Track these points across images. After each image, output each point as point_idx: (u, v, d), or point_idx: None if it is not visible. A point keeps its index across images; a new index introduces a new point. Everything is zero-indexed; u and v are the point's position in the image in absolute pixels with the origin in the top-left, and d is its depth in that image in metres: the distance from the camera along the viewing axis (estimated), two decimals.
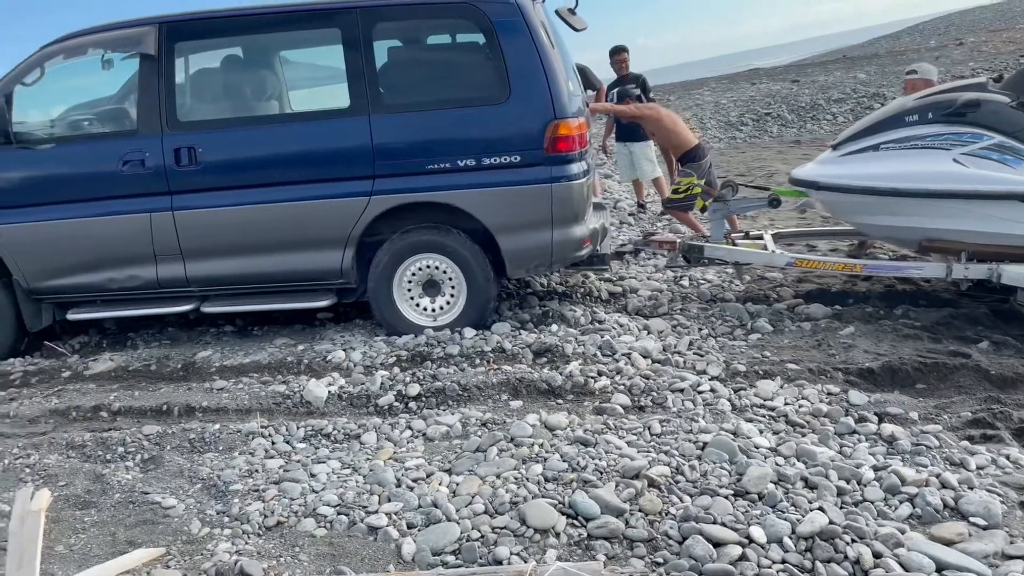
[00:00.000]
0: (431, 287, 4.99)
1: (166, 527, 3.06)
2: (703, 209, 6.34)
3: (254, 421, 3.93)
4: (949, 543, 2.65)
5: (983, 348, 4.36)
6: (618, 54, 8.67)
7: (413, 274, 4.94)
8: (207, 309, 5.08)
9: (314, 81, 6.24)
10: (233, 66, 5.43)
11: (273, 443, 3.71)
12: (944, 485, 2.99)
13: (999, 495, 2.93)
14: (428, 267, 4.93)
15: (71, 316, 5.21)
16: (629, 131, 8.28)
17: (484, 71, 4.88)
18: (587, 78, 8.32)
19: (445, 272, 4.93)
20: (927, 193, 4.63)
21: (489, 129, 4.78)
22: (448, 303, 4.98)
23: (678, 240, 5.81)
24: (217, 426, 3.86)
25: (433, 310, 4.99)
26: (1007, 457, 3.24)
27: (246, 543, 2.90)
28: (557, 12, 5.44)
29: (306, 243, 4.88)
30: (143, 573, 2.72)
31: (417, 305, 4.99)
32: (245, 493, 3.26)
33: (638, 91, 8.27)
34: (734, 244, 5.63)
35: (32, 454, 3.72)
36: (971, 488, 2.97)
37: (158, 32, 4.90)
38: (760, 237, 5.80)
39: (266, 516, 3.06)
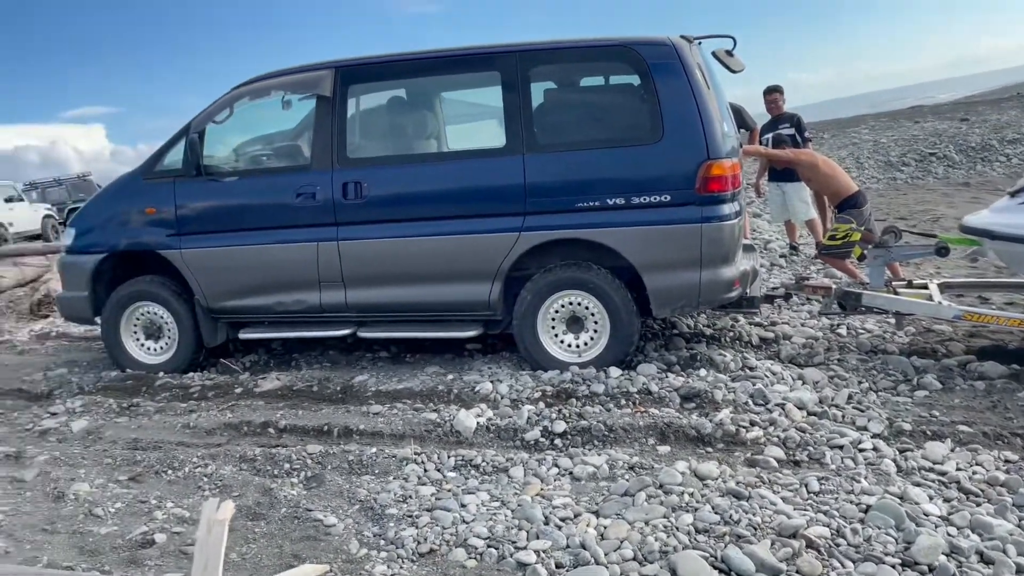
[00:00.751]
0: (575, 323, 5.05)
1: (327, 544, 3.23)
2: (860, 258, 6.06)
3: (408, 447, 4.09)
4: None
5: None
6: (770, 94, 8.51)
7: (557, 310, 5.02)
8: (363, 334, 5.36)
9: (472, 121, 6.49)
10: (397, 107, 5.77)
11: (425, 470, 3.85)
12: None
13: None
14: (572, 303, 5.00)
15: (243, 335, 5.65)
16: (783, 171, 8.06)
17: (638, 112, 4.94)
18: (742, 118, 8.20)
19: (589, 309, 4.98)
20: None
21: (641, 168, 4.82)
22: (591, 340, 5.02)
23: (834, 286, 5.58)
24: (373, 450, 4.05)
25: (576, 346, 5.04)
26: None
27: (401, 567, 3.02)
28: (714, 54, 5.43)
29: (457, 275, 5.08)
30: None
31: (560, 340, 5.05)
32: (400, 518, 3.39)
33: (791, 130, 8.05)
34: (895, 293, 5.34)
35: (209, 464, 4.04)
36: None
37: (334, 75, 5.28)
38: (925, 286, 5.48)
39: (419, 542, 3.16)
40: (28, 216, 21.06)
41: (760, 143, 8.14)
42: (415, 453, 4.00)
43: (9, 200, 20.54)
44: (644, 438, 4.06)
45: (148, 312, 5.76)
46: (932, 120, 18.94)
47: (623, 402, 4.47)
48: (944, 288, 5.45)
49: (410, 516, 3.40)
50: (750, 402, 4.33)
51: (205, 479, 3.90)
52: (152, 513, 3.60)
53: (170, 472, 4.03)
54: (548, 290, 4.99)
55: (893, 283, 5.51)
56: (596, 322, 5.00)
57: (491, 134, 5.31)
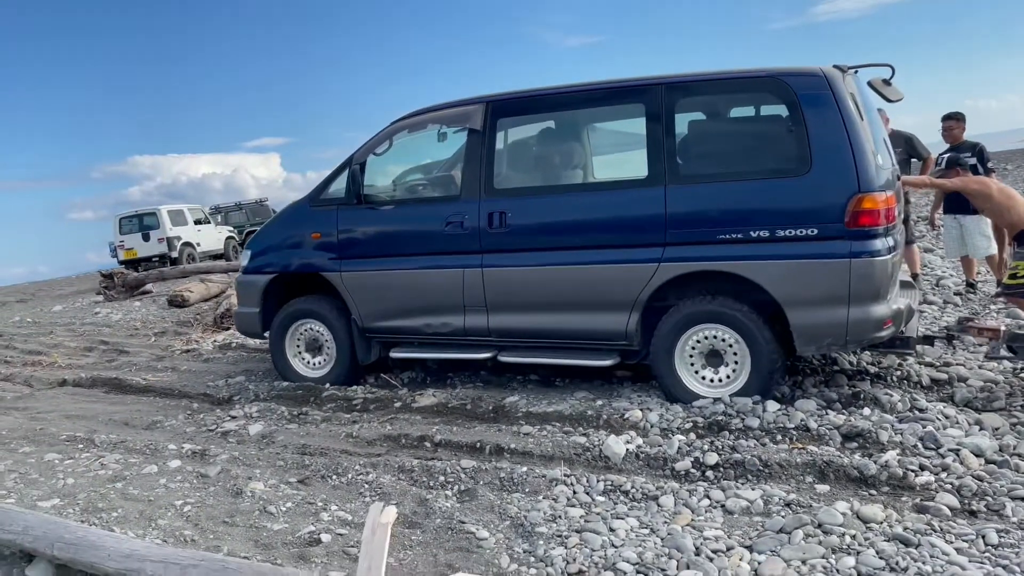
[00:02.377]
0: (714, 357, 4.94)
1: (479, 557, 3.33)
2: None
3: (557, 468, 4.15)
4: None
5: None
6: (946, 121, 7.97)
7: (696, 343, 4.94)
8: (503, 358, 5.50)
9: (614, 152, 6.52)
10: (542, 139, 5.90)
11: (575, 492, 3.89)
12: None
13: None
14: (712, 337, 4.90)
15: (394, 354, 5.96)
16: (961, 202, 7.52)
17: (785, 143, 4.79)
18: (913, 147, 7.77)
19: (728, 343, 4.86)
20: None
21: (787, 201, 4.67)
22: (731, 375, 4.89)
23: (1003, 328, 5.13)
24: (524, 468, 4.14)
25: (714, 380, 4.93)
26: None
27: None
28: (870, 84, 5.20)
29: (596, 304, 5.11)
30: None
31: (697, 373, 4.96)
32: (549, 537, 3.45)
33: (973, 160, 7.52)
34: None
35: (370, 472, 4.27)
36: None
37: (485, 109, 5.50)
38: None
39: (568, 563, 3.21)
40: (213, 237, 23.08)
41: (935, 171, 7.66)
42: (564, 475, 4.06)
43: (198, 222, 22.60)
44: (801, 475, 3.91)
45: (310, 329, 6.20)
46: None
47: (779, 438, 4.33)
48: None
49: (559, 536, 3.45)
50: (919, 445, 4.08)
51: (366, 486, 4.13)
52: (319, 514, 3.85)
53: (335, 477, 4.29)
54: (686, 323, 4.92)
55: None
56: (736, 358, 4.87)
57: (634, 165, 5.31)
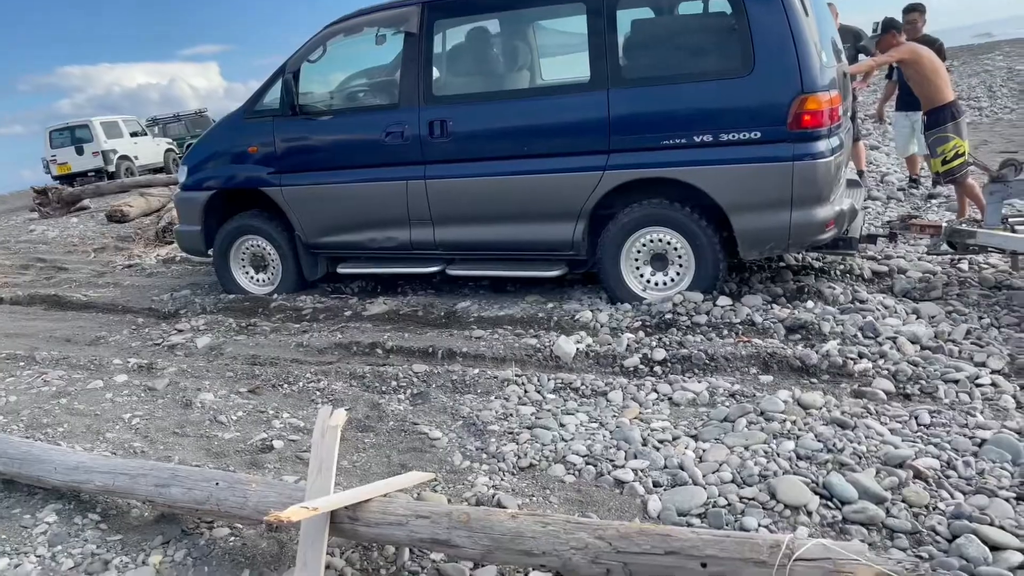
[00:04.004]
0: (659, 261, 4.96)
1: (432, 456, 3.38)
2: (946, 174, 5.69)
3: (509, 369, 4.19)
4: None
5: None
6: (909, 13, 7.57)
7: (641, 248, 4.93)
8: (451, 272, 5.46)
9: (560, 54, 6.34)
10: (481, 42, 5.67)
11: (526, 391, 3.94)
12: None
13: None
14: (657, 240, 4.90)
15: (340, 270, 5.88)
16: (913, 100, 7.49)
17: (727, 42, 4.65)
18: (859, 42, 7.69)
19: (673, 246, 4.87)
20: None
21: (729, 103, 4.58)
22: (675, 278, 4.93)
23: (944, 224, 5.23)
24: (476, 371, 4.17)
25: (659, 284, 4.97)
26: None
27: (501, 479, 3.13)
28: None
29: (542, 215, 5.04)
30: (414, 493, 3.02)
31: (643, 277, 4.98)
32: (501, 434, 3.50)
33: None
34: (1013, 230, 4.98)
35: (322, 379, 4.26)
36: None
37: (421, 11, 5.26)
38: None
39: (520, 457, 3.27)
40: (152, 150, 22.24)
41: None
42: (516, 375, 4.10)
43: (134, 134, 21.72)
44: (746, 367, 4.01)
45: (255, 245, 6.06)
46: None
47: (725, 333, 4.42)
48: None
49: (511, 433, 3.51)
50: (859, 335, 4.19)
51: (318, 393, 4.13)
52: (271, 422, 3.85)
53: (286, 386, 4.27)
54: (632, 226, 4.90)
55: (1010, 219, 5.13)
56: (681, 260, 4.90)
57: (578, 68, 5.17)
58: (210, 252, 6.28)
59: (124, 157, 20.78)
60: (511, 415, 3.68)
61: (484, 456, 3.33)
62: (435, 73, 5.39)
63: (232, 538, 2.84)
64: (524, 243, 5.22)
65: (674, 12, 5.29)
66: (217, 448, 3.60)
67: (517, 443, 3.40)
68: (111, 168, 20.13)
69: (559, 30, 5.96)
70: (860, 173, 8.38)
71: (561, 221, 5.04)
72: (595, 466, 3.14)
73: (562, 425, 3.53)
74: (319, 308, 5.58)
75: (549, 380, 4.02)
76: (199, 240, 6.21)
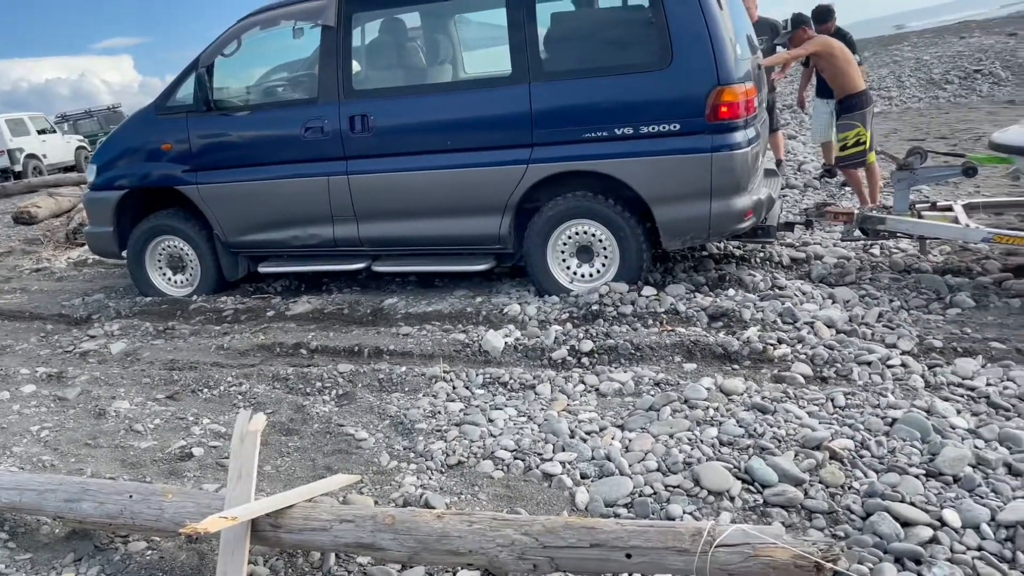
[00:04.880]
0: (585, 253, 4.99)
1: (359, 457, 3.32)
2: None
3: (437, 366, 4.15)
4: None
5: None
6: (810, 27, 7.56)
7: (567, 240, 4.95)
8: (377, 268, 5.38)
9: (483, 47, 6.31)
10: (400, 35, 5.60)
11: (454, 387, 3.91)
12: None
13: None
14: (582, 233, 4.93)
15: (262, 269, 5.74)
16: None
17: (646, 36, 4.70)
18: (776, 34, 7.87)
19: (598, 238, 4.91)
20: None
21: (648, 96, 4.64)
22: (601, 269, 4.97)
23: (856, 211, 5.42)
24: (403, 368, 4.12)
25: (585, 275, 5.00)
26: None
27: (430, 478, 3.10)
28: None
29: (467, 209, 5.02)
30: (339, 496, 2.97)
31: (569, 269, 5.01)
32: (429, 432, 3.47)
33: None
34: (920, 216, 5.20)
35: (244, 383, 4.15)
36: None
37: (338, 3, 5.14)
38: (950, 208, 5.32)
39: (448, 455, 3.24)
40: (61, 148, 21.29)
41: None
42: (444, 371, 4.06)
43: (42, 132, 20.74)
44: (671, 356, 4.07)
45: (171, 246, 5.85)
46: (979, 36, 18.12)
47: (650, 322, 4.47)
48: (969, 209, 5.28)
49: (439, 430, 3.47)
50: (778, 321, 4.30)
51: (240, 397, 4.02)
52: (190, 429, 3.72)
53: (206, 391, 4.14)
54: (558, 219, 4.92)
55: (918, 206, 5.35)
56: (606, 252, 4.94)
57: (500, 62, 5.14)
58: (124, 254, 6.04)
59: (32, 156, 19.82)
60: (439, 412, 3.65)
61: (412, 455, 3.30)
62: (355, 67, 5.29)
63: (149, 552, 2.74)
64: (450, 238, 5.18)
65: (593, 6, 5.33)
66: (133, 458, 3.47)
67: (445, 440, 3.38)
68: (18, 168, 19.18)
69: (481, 23, 5.93)
70: (778, 162, 8.60)
71: (487, 215, 5.02)
72: (523, 460, 3.15)
73: (491, 420, 3.52)
74: (241, 309, 5.43)
75: (478, 375, 4.00)
76: (111, 242, 5.97)
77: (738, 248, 5.75)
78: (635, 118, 4.67)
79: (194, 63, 5.50)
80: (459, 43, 6.00)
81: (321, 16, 5.17)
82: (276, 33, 5.45)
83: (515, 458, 3.17)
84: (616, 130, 4.71)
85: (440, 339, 4.48)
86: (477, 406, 3.69)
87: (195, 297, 5.76)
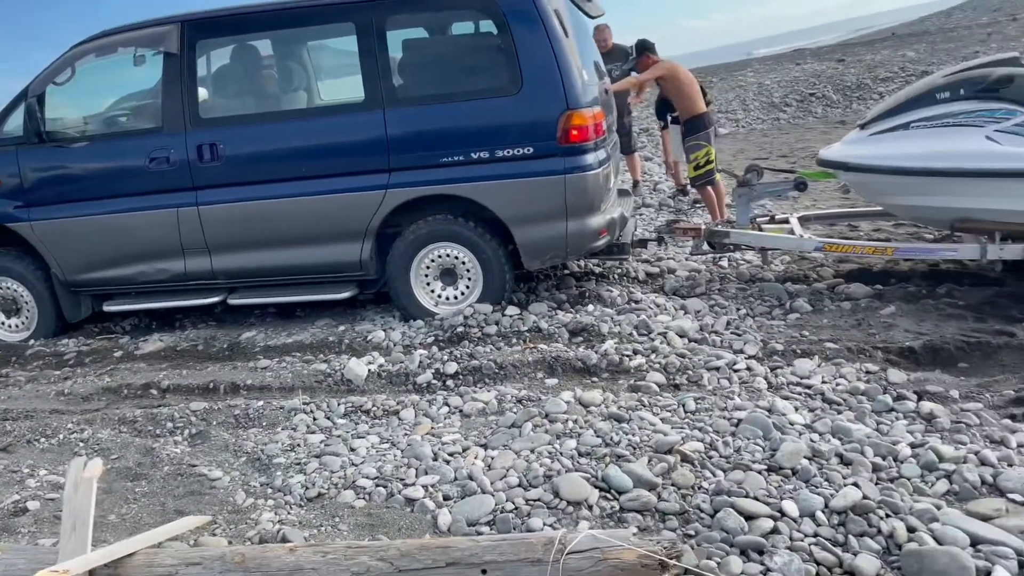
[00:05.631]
0: (448, 276, 5.02)
1: (212, 498, 3.18)
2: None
3: (296, 398, 4.04)
4: (986, 518, 2.62)
5: None
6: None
7: (430, 264, 4.97)
8: (233, 301, 5.20)
9: (336, 74, 6.29)
10: (249, 62, 5.50)
11: (315, 419, 3.82)
12: (983, 462, 2.95)
13: None
14: (445, 256, 4.96)
15: (107, 308, 5.42)
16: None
17: (497, 62, 4.84)
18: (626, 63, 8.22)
19: (461, 260, 4.96)
20: (960, 172, 4.50)
21: (502, 121, 4.76)
22: (465, 292, 5.01)
23: (703, 226, 5.73)
24: (261, 403, 3.98)
25: (450, 298, 5.02)
26: None
27: (288, 513, 3.00)
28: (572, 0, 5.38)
29: (326, 236, 4.95)
30: (190, 540, 2.83)
31: (433, 292, 5.02)
32: (287, 466, 3.36)
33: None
34: (760, 229, 5.55)
35: (86, 429, 3.89)
36: (1011, 465, 2.93)
37: (180, 30, 5.00)
38: (786, 221, 5.71)
39: (307, 488, 3.16)
40: None
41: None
42: (304, 403, 3.96)
43: None
44: (533, 373, 4.14)
45: (3, 287, 5.43)
46: (812, 62, 19.62)
47: (514, 341, 4.54)
48: (803, 221, 5.68)
49: (298, 464, 3.38)
50: (634, 333, 4.46)
51: (81, 444, 3.76)
52: (24, 482, 3.45)
53: (43, 440, 3.86)
54: (420, 243, 4.93)
55: (758, 219, 5.71)
56: (470, 275, 4.98)
57: (352, 88, 5.14)
58: None
59: None
60: (299, 445, 3.55)
61: (269, 491, 3.19)
62: (202, 94, 5.13)
63: None
64: (310, 266, 5.08)
65: (444, 32, 5.40)
66: None
67: (305, 473, 3.29)
68: None
69: (335, 50, 5.89)
70: (635, 183, 8.97)
71: (347, 242, 4.96)
72: (385, 487, 3.10)
73: (352, 449, 3.45)
74: (85, 351, 5.10)
75: (339, 405, 3.92)
76: None
77: (597, 265, 5.94)
78: (490, 142, 4.76)
79: (23, 93, 5.17)
80: (313, 70, 5.93)
81: (163, 43, 4.99)
82: (114, 60, 5.20)
83: (377, 485, 3.12)
84: (472, 154, 4.78)
85: (301, 370, 4.37)
86: (339, 436, 3.61)
87: (32, 342, 5.36)
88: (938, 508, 2.67)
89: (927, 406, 3.43)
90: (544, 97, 4.69)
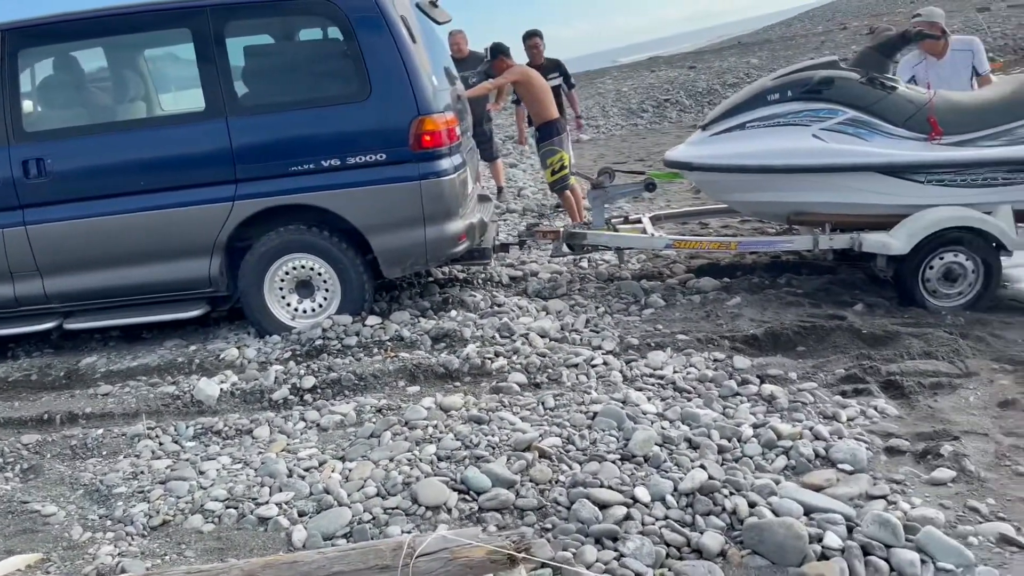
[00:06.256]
0: (304, 288, 4.89)
1: (46, 535, 2.95)
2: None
3: (140, 423, 3.81)
4: (818, 489, 2.80)
5: (858, 310, 4.60)
6: (531, 39, 7.86)
7: (287, 274, 4.82)
8: (70, 326, 4.85)
9: (170, 84, 6.02)
10: (79, 72, 5.18)
11: (161, 444, 3.62)
12: (817, 437, 3.15)
13: (865, 442, 3.12)
14: (301, 267, 4.82)
15: None
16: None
17: (344, 68, 4.75)
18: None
19: (317, 272, 4.83)
20: (791, 168, 4.80)
21: (352, 128, 4.68)
22: (323, 303, 4.88)
23: (561, 229, 5.84)
24: (101, 431, 3.73)
25: (307, 311, 4.89)
26: (875, 408, 3.44)
27: (130, 544, 2.82)
28: (418, 5, 5.34)
29: (170, 253, 4.71)
30: None
31: (290, 305, 4.88)
32: (129, 495, 3.16)
33: (559, 79, 7.72)
34: (615, 229, 5.73)
35: None
36: (841, 438, 3.14)
37: (1, 39, 4.65)
38: (640, 221, 5.92)
39: (151, 516, 2.98)
40: None
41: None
42: (149, 428, 3.74)
43: None
44: (395, 381, 4.08)
45: None
46: (666, 69, 20.55)
47: (375, 351, 4.46)
48: (655, 220, 5.90)
49: (141, 492, 3.18)
50: (496, 336, 4.49)
51: None
52: None
53: None
54: (273, 255, 4.77)
55: (612, 220, 5.88)
56: (327, 285, 4.86)
57: (192, 97, 4.93)
58: None
59: None
60: (142, 472, 3.34)
61: (109, 523, 2.98)
62: (26, 107, 4.78)
63: None
64: (155, 285, 4.81)
65: (289, 39, 5.28)
66: None
67: (149, 501, 3.09)
68: None
69: (175, 58, 5.63)
70: (500, 189, 9.06)
71: (194, 257, 4.74)
72: (236, 508, 2.97)
73: (201, 472, 3.28)
74: None
75: (188, 427, 3.73)
76: None
77: (461, 271, 5.94)
78: (340, 150, 4.67)
79: None
80: (152, 79, 5.65)
81: None
82: None
83: (227, 507, 2.98)
84: (323, 162, 4.67)
85: (146, 394, 4.13)
86: (187, 459, 3.43)
87: None
88: (777, 483, 2.83)
89: (768, 388, 3.63)
90: (394, 103, 4.65)
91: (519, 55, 8.06)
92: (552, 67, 7.89)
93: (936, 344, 4.00)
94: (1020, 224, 4.73)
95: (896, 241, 4.61)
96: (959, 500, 2.71)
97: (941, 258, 4.62)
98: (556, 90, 7.54)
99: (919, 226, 4.60)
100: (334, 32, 4.84)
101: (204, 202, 4.66)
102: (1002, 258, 4.66)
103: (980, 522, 2.58)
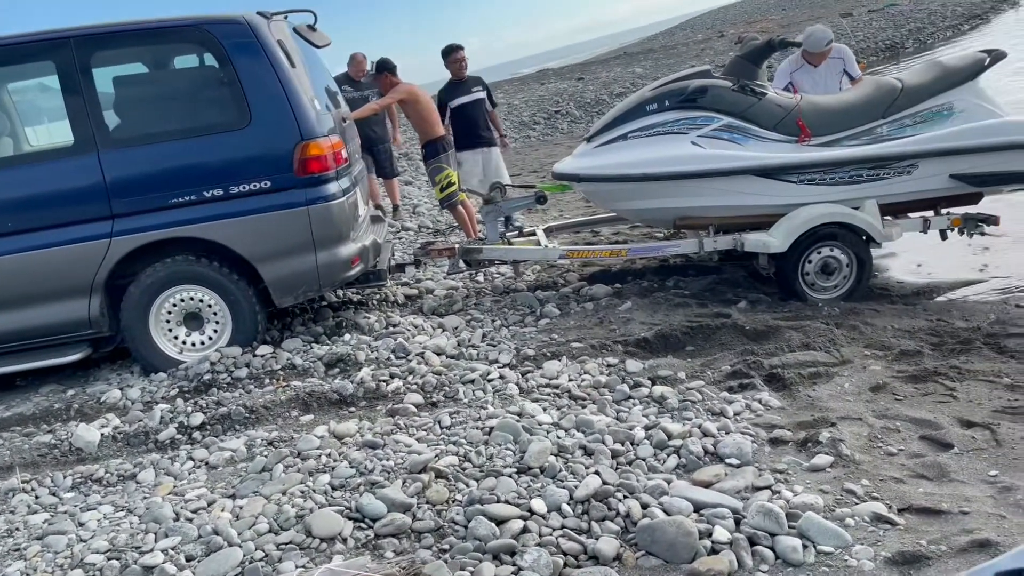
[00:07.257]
0: (193, 320, 4.73)
1: None
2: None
3: (14, 477, 3.58)
4: (707, 485, 2.88)
5: (741, 307, 4.79)
6: (456, 52, 7.29)
7: (173, 306, 4.65)
8: None
9: (37, 119, 5.72)
10: None
11: (37, 497, 3.40)
12: (705, 434, 3.24)
13: (751, 436, 3.23)
14: (189, 299, 4.66)
15: None
16: (474, 135, 7.34)
17: (221, 96, 4.64)
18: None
19: (207, 303, 4.68)
20: (672, 175, 4.97)
21: (233, 156, 4.55)
22: (213, 336, 4.73)
23: (456, 246, 5.86)
24: None
25: (196, 344, 4.73)
26: (759, 401, 3.58)
27: None
28: (296, 30, 5.24)
29: (44, 296, 4.48)
30: None
31: (177, 339, 4.71)
32: (5, 554, 2.96)
33: (483, 93, 7.38)
34: (509, 243, 5.79)
35: None
36: (728, 433, 3.24)
37: None
38: (534, 233, 5.99)
39: (28, 575, 2.79)
40: None
41: (449, 110, 7.30)
42: (23, 482, 3.52)
43: None
44: (287, 412, 3.98)
45: None
46: (555, 81, 20.94)
47: (267, 381, 4.34)
48: (549, 232, 5.99)
49: (17, 549, 2.98)
50: (392, 357, 4.44)
51: None
52: None
53: None
54: (157, 288, 4.59)
55: (507, 234, 5.93)
56: (217, 316, 4.72)
57: (61, 131, 4.70)
58: None
59: None
60: (17, 529, 3.13)
61: None
62: None
63: None
64: (31, 331, 4.54)
65: (162, 68, 5.10)
66: None
67: (25, 560, 2.90)
68: None
69: (41, 90, 5.35)
70: (395, 207, 9.01)
71: (69, 299, 4.50)
72: (119, 559, 2.81)
73: (81, 524, 3.10)
74: None
75: (66, 477, 3.52)
76: None
77: (356, 294, 5.86)
78: (222, 179, 4.54)
79: None
80: (17, 114, 5.35)
81: None
82: None
83: (109, 559, 2.81)
84: (205, 193, 4.52)
85: (21, 446, 3.88)
86: (65, 512, 3.23)
87: None
88: (668, 482, 2.90)
89: (659, 390, 3.72)
90: (275, 129, 4.55)
91: (439, 70, 7.84)
92: (475, 82, 7.55)
93: (814, 335, 4.20)
94: (887, 217, 5.03)
95: (775, 240, 4.82)
96: (837, 484, 2.84)
97: (818, 253, 4.87)
98: (480, 104, 7.35)
99: (794, 224, 4.83)
100: (210, 59, 4.71)
101: (78, 240, 4.43)
102: (872, 249, 4.94)
103: (856, 503, 2.71)
